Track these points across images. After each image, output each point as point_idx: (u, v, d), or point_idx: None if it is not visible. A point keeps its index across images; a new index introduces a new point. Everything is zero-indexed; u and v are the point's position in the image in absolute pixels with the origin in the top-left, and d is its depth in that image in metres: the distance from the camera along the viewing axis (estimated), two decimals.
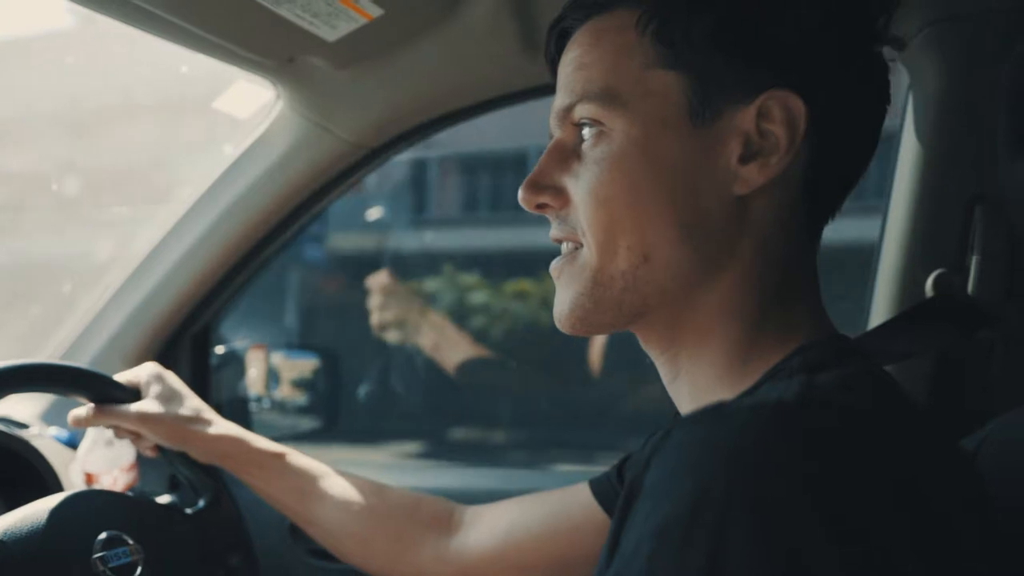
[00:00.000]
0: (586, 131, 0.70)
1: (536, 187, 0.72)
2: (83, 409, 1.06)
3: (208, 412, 1.09)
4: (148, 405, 1.06)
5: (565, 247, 0.73)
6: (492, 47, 1.14)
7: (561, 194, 0.72)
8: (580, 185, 0.70)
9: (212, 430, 1.07)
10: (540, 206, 0.73)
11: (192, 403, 1.08)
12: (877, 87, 0.70)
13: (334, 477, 1.08)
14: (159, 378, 1.09)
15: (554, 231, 0.74)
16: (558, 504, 0.99)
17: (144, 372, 1.09)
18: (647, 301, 0.69)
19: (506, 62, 1.18)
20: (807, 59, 0.66)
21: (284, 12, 0.94)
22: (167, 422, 1.05)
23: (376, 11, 0.99)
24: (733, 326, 0.69)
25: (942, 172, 1.12)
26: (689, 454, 0.54)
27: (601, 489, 0.95)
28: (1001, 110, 0.82)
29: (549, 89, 1.23)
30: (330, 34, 1.02)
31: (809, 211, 0.70)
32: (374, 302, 2.19)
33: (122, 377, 1.09)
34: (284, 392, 1.66)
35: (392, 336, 2.33)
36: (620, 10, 0.69)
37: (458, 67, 1.19)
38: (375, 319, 2.21)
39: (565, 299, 0.72)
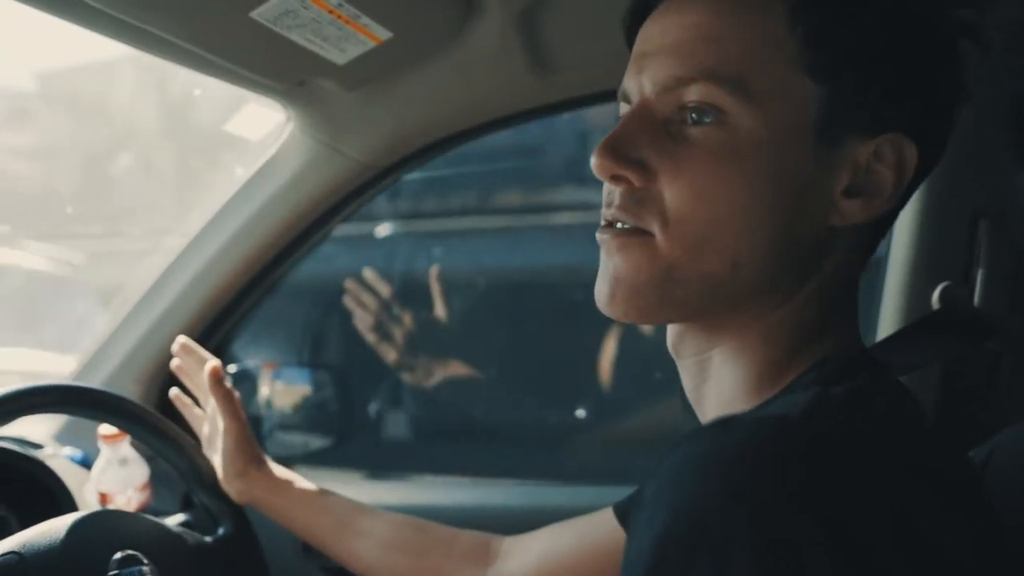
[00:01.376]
0: (697, 113, 0.62)
1: (620, 157, 0.64)
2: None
3: (252, 449, 1.13)
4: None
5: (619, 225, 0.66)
6: (500, 68, 1.15)
7: (646, 171, 0.64)
8: (679, 171, 0.63)
9: (254, 466, 1.11)
10: (616, 178, 0.65)
11: (235, 441, 1.12)
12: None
13: (372, 514, 1.10)
14: (211, 413, 1.15)
15: (618, 211, 0.65)
16: (585, 530, 1.00)
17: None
18: (715, 308, 0.66)
19: (514, 82, 1.19)
20: (928, 108, 0.65)
21: (295, 37, 0.96)
22: (247, 435, 1.12)
23: (385, 34, 1.01)
24: (776, 345, 0.67)
25: (948, 186, 1.13)
26: (692, 466, 0.54)
27: (623, 512, 0.95)
28: (1006, 125, 0.83)
29: (556, 108, 1.27)
30: (340, 57, 1.04)
31: (873, 246, 0.69)
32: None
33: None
34: (296, 410, 1.67)
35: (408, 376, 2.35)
36: None
37: (467, 88, 1.20)
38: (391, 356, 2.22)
39: (624, 281, 0.65)
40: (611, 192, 0.67)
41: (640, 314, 0.66)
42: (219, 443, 1.12)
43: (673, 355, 0.72)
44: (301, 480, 1.12)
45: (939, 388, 1.13)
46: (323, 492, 1.11)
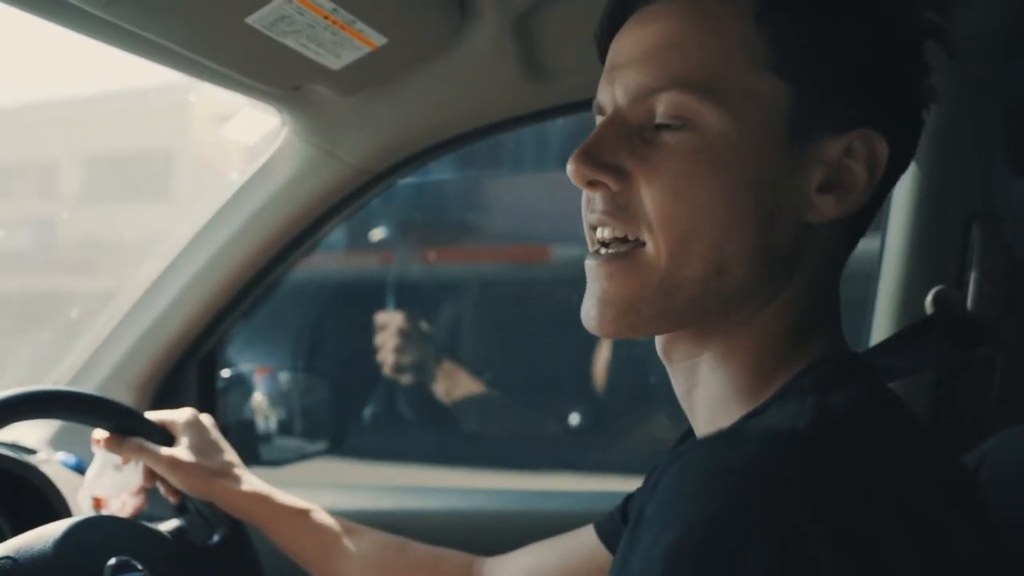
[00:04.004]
0: (667, 118, 0.64)
1: (596, 162, 0.64)
2: (120, 439, 1.06)
3: (238, 468, 1.09)
4: (179, 452, 1.06)
5: (611, 242, 0.66)
6: (495, 73, 1.16)
7: (622, 176, 0.64)
8: (656, 175, 0.63)
9: (239, 487, 1.07)
10: (593, 184, 0.65)
11: (223, 457, 1.09)
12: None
13: (357, 534, 1.09)
14: (195, 427, 1.09)
15: (604, 217, 0.66)
16: (567, 549, 0.99)
17: (181, 417, 1.10)
18: (706, 315, 0.66)
19: (509, 87, 1.19)
20: (899, 104, 0.66)
21: (290, 42, 0.96)
22: (194, 473, 1.06)
23: (380, 40, 1.01)
24: (764, 348, 0.67)
25: (941, 190, 1.13)
26: (700, 480, 0.54)
27: (605, 530, 0.95)
28: (999, 129, 0.84)
29: (551, 113, 1.27)
30: (335, 63, 1.04)
31: (851, 243, 0.70)
32: (388, 343, 2.20)
33: (156, 416, 1.10)
34: (289, 414, 1.67)
35: (404, 377, 2.35)
36: None
37: (461, 93, 1.20)
38: (388, 359, 2.22)
39: (614, 302, 0.65)
40: (591, 199, 0.68)
41: (632, 330, 0.66)
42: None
43: (663, 360, 0.72)
44: (287, 498, 1.09)
45: (932, 392, 1.13)
46: (307, 511, 1.09)
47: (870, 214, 0.70)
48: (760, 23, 0.63)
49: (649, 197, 0.63)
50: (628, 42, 0.67)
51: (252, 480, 1.09)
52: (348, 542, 1.08)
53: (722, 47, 0.63)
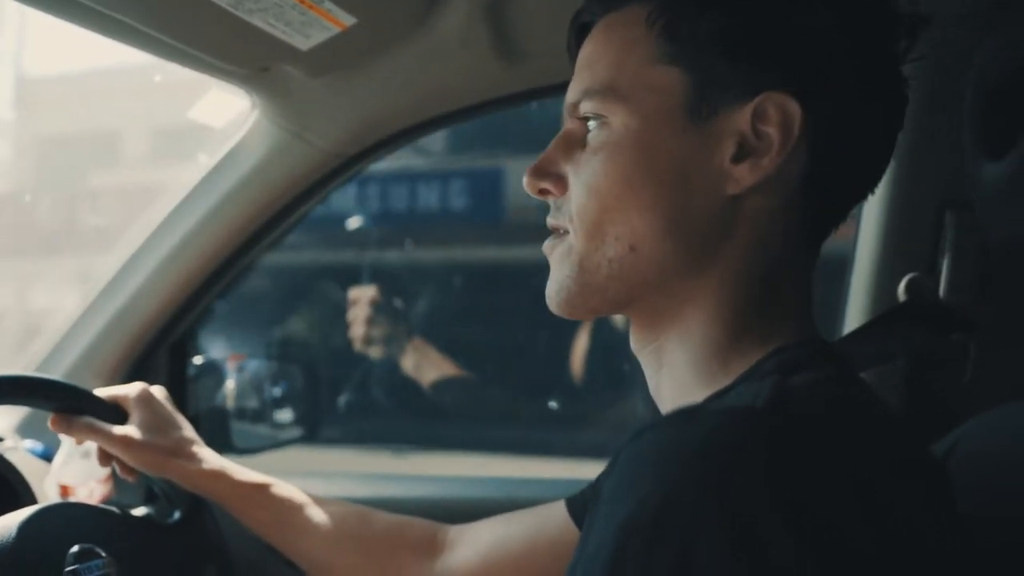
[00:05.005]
0: (591, 122, 0.71)
1: (539, 173, 0.74)
2: (69, 418, 1.03)
3: (193, 444, 1.07)
4: (132, 431, 1.03)
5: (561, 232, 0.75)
6: (466, 56, 1.15)
7: (561, 182, 0.73)
8: (578, 174, 0.72)
9: (193, 465, 1.05)
10: (542, 191, 0.75)
11: (177, 434, 1.06)
12: (888, 104, 0.71)
13: (317, 506, 1.07)
14: (148, 402, 1.07)
15: (550, 219, 0.75)
16: (536, 522, 0.99)
17: (132, 393, 1.07)
18: (632, 291, 0.71)
19: (481, 71, 1.18)
20: (810, 66, 0.67)
21: (256, 21, 0.94)
22: (148, 452, 1.03)
23: (349, 20, 0.99)
24: (716, 324, 0.69)
25: (914, 177, 1.13)
26: (656, 456, 0.54)
27: (576, 507, 0.95)
28: (971, 115, 0.83)
29: (523, 96, 1.26)
30: (303, 43, 1.02)
31: (807, 218, 0.70)
32: (358, 315, 2.19)
33: (106, 393, 1.07)
34: (263, 401, 1.66)
35: (373, 351, 2.34)
36: (633, 5, 0.71)
37: (433, 76, 1.19)
38: (358, 332, 2.20)
39: (553, 280, 0.74)
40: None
41: (572, 307, 0.73)
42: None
43: (635, 352, 0.75)
44: (244, 473, 1.07)
45: (905, 379, 1.14)
46: (265, 485, 1.07)
47: (823, 175, 0.69)
48: (650, 22, 0.69)
49: (573, 195, 0.72)
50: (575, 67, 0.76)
51: (209, 456, 1.07)
52: (309, 515, 1.06)
53: (620, 53, 0.71)
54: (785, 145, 0.66)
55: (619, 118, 0.69)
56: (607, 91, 0.70)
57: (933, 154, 1.11)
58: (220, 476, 1.06)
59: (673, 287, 0.70)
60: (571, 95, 0.74)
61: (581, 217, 0.71)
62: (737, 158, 0.67)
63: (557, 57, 1.11)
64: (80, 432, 1.04)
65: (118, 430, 1.03)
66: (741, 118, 0.67)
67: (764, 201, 0.68)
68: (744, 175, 0.67)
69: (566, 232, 0.73)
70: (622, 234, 0.69)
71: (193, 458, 1.05)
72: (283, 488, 1.08)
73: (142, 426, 1.04)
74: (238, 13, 0.92)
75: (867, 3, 0.68)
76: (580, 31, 0.77)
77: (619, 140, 0.69)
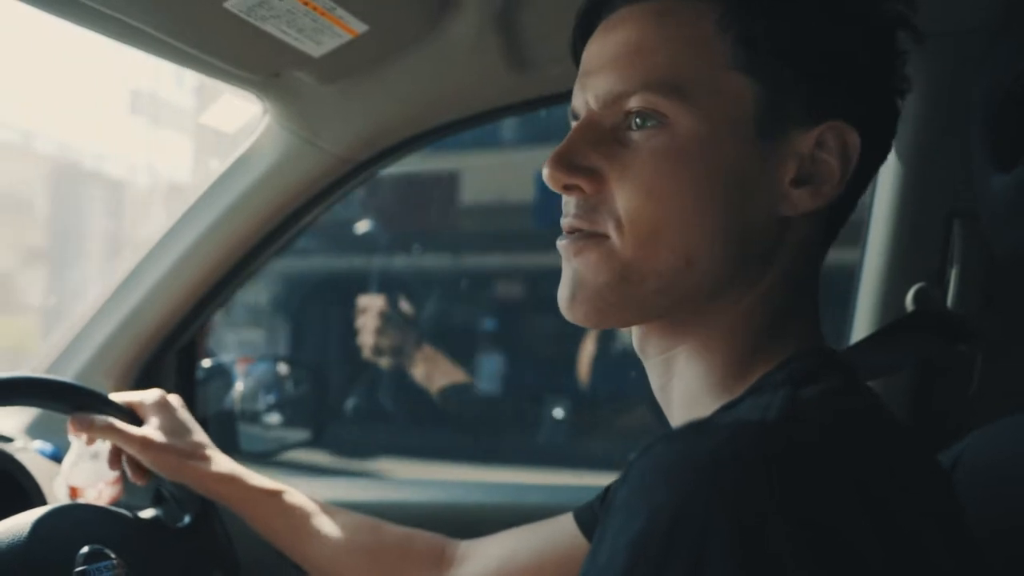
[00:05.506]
0: (640, 119, 0.65)
1: (569, 166, 0.66)
2: (89, 418, 1.04)
3: (208, 448, 1.08)
4: (150, 432, 1.05)
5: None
6: (476, 62, 1.15)
7: (596, 178, 0.66)
8: (627, 174, 0.65)
9: (210, 468, 1.06)
10: (568, 187, 0.67)
11: (193, 438, 1.07)
12: (896, 122, 0.71)
13: (329, 515, 1.08)
14: (164, 407, 1.08)
15: (574, 220, 0.68)
16: (545, 535, 0.99)
17: (149, 398, 1.08)
18: (674, 305, 0.67)
19: (491, 77, 1.19)
20: (869, 96, 0.67)
21: (269, 28, 0.95)
22: (165, 454, 1.04)
23: (361, 27, 1.00)
24: (739, 340, 0.68)
25: (921, 187, 1.13)
26: (667, 469, 0.54)
27: (584, 518, 0.95)
28: (980, 126, 0.83)
29: (534, 104, 1.26)
30: (315, 50, 1.03)
31: (828, 237, 0.71)
32: (368, 325, 2.20)
33: (123, 399, 1.08)
34: (270, 405, 1.66)
35: (383, 360, 2.35)
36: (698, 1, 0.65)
37: (443, 82, 1.19)
38: (368, 341, 2.21)
39: (582, 285, 0.67)
40: (567, 203, 0.69)
41: (600, 316, 0.67)
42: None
43: (639, 355, 0.73)
44: (258, 480, 1.08)
45: (912, 389, 1.14)
46: (278, 493, 1.08)
47: (848, 205, 0.70)
48: (722, 25, 0.65)
49: (621, 195, 0.65)
50: (597, 49, 0.69)
51: (223, 461, 1.08)
52: (320, 523, 1.07)
53: (686, 48, 0.65)
54: (844, 176, 0.66)
55: (686, 122, 0.64)
56: (672, 89, 0.64)
57: (941, 164, 1.11)
58: (235, 480, 1.07)
59: (711, 304, 0.67)
60: (613, 83, 0.66)
61: (635, 222, 0.64)
62: (796, 182, 0.65)
63: (568, 64, 1.12)
64: (100, 432, 1.04)
65: (137, 431, 1.04)
66: (805, 142, 0.65)
67: (808, 225, 0.68)
68: (804, 200, 0.66)
69: (602, 236, 0.66)
70: (678, 246, 0.64)
71: (208, 462, 1.07)
72: (295, 495, 1.09)
73: (160, 429, 1.06)
74: (251, 20, 0.93)
75: (897, 29, 0.68)
76: (595, 11, 0.70)
77: (685, 145, 0.64)
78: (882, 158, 0.70)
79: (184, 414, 1.10)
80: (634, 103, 0.65)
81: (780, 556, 0.49)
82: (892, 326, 1.08)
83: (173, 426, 1.07)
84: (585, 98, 0.69)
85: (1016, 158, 0.78)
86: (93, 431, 1.04)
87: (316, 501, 1.09)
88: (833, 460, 0.55)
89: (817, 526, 0.50)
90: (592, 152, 0.66)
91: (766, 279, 0.67)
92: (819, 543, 0.50)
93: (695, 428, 0.58)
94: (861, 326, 1.19)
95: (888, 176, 1.14)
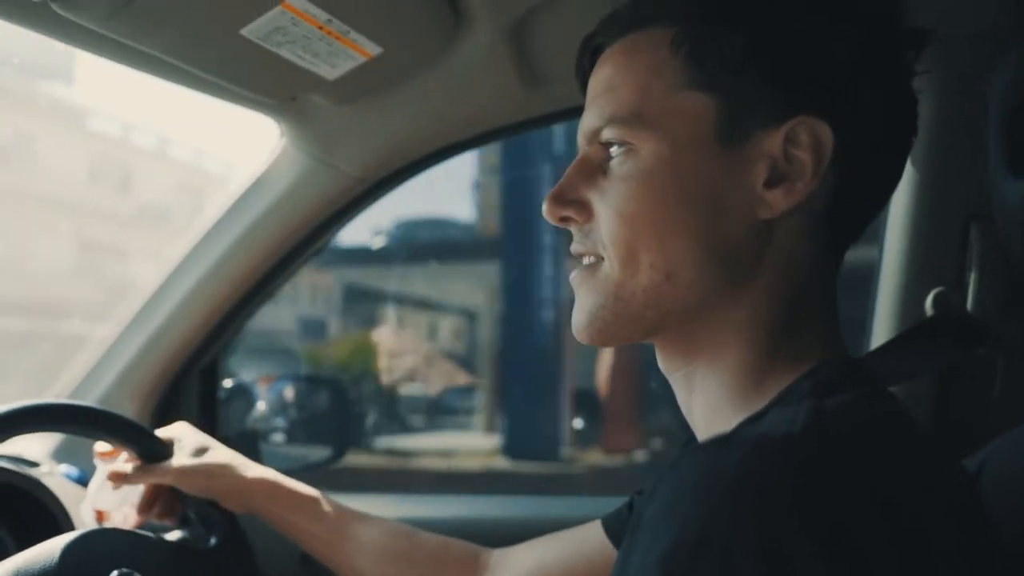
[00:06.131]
0: (614, 149, 0.70)
1: (561, 200, 0.73)
2: (126, 467, 1.09)
3: (240, 458, 1.11)
4: (184, 459, 1.08)
5: (586, 259, 0.73)
6: (490, 81, 1.16)
7: (585, 208, 0.72)
8: (605, 201, 0.70)
9: (248, 474, 1.09)
10: (563, 219, 0.73)
11: (224, 453, 1.11)
12: (905, 119, 0.71)
13: (366, 521, 1.10)
14: (191, 431, 1.12)
15: (576, 245, 0.74)
16: (574, 543, 1.00)
17: (176, 430, 1.13)
18: (667, 318, 0.70)
19: (504, 95, 1.19)
20: (837, 87, 0.67)
21: (285, 53, 0.96)
22: (203, 472, 1.08)
23: (375, 49, 1.01)
24: (749, 348, 0.69)
25: (939, 191, 1.13)
26: (694, 483, 0.54)
27: (612, 526, 0.96)
28: (997, 129, 0.83)
29: (546, 120, 1.27)
30: (330, 72, 1.04)
31: (832, 237, 0.70)
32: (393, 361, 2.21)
33: (159, 434, 1.12)
34: (292, 423, 1.67)
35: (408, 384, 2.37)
36: (655, 28, 0.70)
37: (457, 101, 1.20)
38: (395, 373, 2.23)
39: (584, 310, 0.72)
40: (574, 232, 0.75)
41: (603, 335, 0.72)
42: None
43: (665, 374, 0.75)
44: (296, 485, 1.10)
45: (933, 395, 1.13)
46: (316, 499, 1.10)
47: (849, 201, 0.69)
48: (674, 47, 0.68)
49: (603, 221, 0.70)
50: (588, 90, 0.75)
51: (257, 468, 1.11)
52: (357, 529, 1.09)
53: (643, 77, 0.69)
54: (818, 170, 0.66)
55: (648, 146, 0.68)
56: (633, 118, 0.69)
57: (958, 167, 1.11)
58: (272, 487, 1.09)
59: (706, 314, 0.69)
60: (591, 120, 0.72)
61: (615, 244, 0.69)
62: (770, 183, 0.67)
63: None
64: (141, 478, 1.09)
65: (173, 462, 1.08)
66: (773, 142, 0.67)
67: (795, 224, 0.68)
68: (778, 200, 0.67)
69: (599, 259, 0.71)
70: (657, 262, 0.68)
71: (246, 469, 1.09)
72: (331, 501, 1.11)
73: (192, 450, 1.09)
74: (267, 46, 0.94)
75: (881, 20, 0.68)
76: (593, 53, 0.75)
77: (650, 168, 0.68)
78: (864, 152, 0.69)
79: (207, 437, 1.13)
80: (605, 135, 0.71)
81: (803, 568, 0.49)
82: (912, 331, 1.08)
83: (203, 443, 1.11)
84: (580, 135, 0.75)
85: None
86: (131, 480, 1.09)
87: (350, 508, 1.11)
88: (857, 474, 0.55)
89: (839, 542, 0.51)
90: (581, 185, 0.72)
91: (758, 282, 0.68)
92: (842, 559, 0.50)
93: (720, 442, 0.58)
94: (880, 331, 1.19)
95: (905, 180, 1.13)
